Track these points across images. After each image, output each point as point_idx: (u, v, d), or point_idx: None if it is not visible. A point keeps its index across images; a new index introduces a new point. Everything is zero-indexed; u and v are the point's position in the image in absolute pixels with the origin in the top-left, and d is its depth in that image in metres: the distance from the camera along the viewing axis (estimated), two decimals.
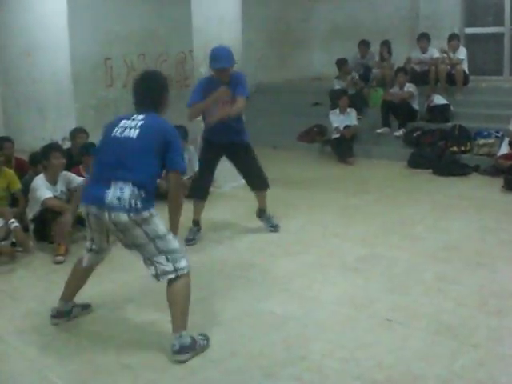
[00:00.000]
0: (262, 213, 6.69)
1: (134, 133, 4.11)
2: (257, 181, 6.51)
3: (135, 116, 4.25)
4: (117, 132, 4.17)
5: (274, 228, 6.62)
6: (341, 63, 11.67)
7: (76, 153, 7.78)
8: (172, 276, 4.06)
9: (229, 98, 6.04)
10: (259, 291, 5.06)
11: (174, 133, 4.25)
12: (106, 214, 4.00)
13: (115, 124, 4.26)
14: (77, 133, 8.13)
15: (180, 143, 4.30)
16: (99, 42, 10.81)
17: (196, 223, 6.49)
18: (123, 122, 4.23)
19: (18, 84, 11.49)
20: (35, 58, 11.03)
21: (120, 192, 3.96)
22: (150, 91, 4.39)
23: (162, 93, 4.47)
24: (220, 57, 6.06)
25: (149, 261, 4.13)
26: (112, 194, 3.98)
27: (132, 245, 4.15)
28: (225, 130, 6.13)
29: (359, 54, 12.15)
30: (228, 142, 6.25)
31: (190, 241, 6.31)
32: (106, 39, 10.90)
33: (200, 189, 6.46)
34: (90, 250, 4.50)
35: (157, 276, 4.10)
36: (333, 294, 4.94)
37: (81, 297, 4.84)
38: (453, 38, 10.97)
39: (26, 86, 11.34)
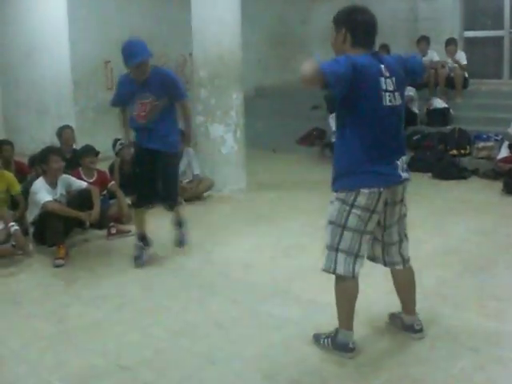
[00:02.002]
0: (177, 224, 6.17)
1: (397, 96, 3.77)
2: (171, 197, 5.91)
3: (381, 66, 3.74)
4: (387, 100, 3.69)
5: (179, 243, 6.13)
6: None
7: (66, 150, 7.75)
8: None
9: (149, 99, 5.51)
10: (258, 293, 5.07)
11: None
12: (400, 191, 3.94)
13: (378, 85, 3.68)
14: (62, 129, 8.10)
15: None
16: (99, 45, 10.85)
17: (142, 237, 5.97)
18: (381, 80, 3.69)
19: (18, 86, 11.49)
20: (35, 60, 11.03)
21: (402, 161, 3.89)
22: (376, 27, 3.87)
23: None
24: (135, 50, 5.42)
25: (404, 237, 4.14)
26: (401, 165, 3.86)
27: (396, 220, 4.05)
28: (148, 135, 5.65)
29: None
30: (153, 150, 5.63)
31: (137, 259, 5.82)
32: (106, 42, 10.92)
33: (141, 198, 5.86)
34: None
35: (407, 261, 4.16)
36: (332, 297, 4.92)
37: (83, 296, 4.86)
38: (450, 42, 10.99)
39: (26, 89, 11.33)
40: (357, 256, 3.86)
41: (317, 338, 4.14)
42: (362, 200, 3.74)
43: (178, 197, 6.01)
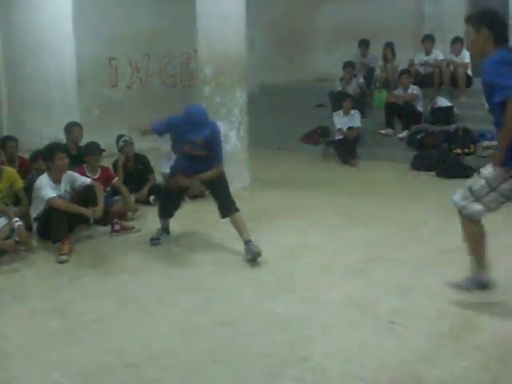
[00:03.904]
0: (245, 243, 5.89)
1: None
2: (225, 205, 6.03)
3: None
4: None
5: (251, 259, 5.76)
6: (347, 66, 11.63)
7: (72, 147, 7.76)
8: None
9: (195, 148, 5.86)
10: (263, 292, 5.07)
11: None
12: None
13: None
14: (72, 126, 8.11)
15: None
16: (104, 42, 10.86)
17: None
18: None
19: (24, 83, 11.53)
20: (41, 58, 11.07)
21: None
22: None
23: None
24: (199, 126, 5.71)
25: None
26: None
27: None
28: (192, 166, 6.02)
29: (360, 54, 12.18)
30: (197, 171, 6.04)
31: (155, 239, 6.38)
32: (111, 39, 10.95)
33: (167, 212, 6.41)
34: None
35: None
36: (336, 295, 4.94)
37: (87, 292, 4.86)
38: (456, 41, 10.99)
39: (31, 85, 11.38)
40: None
41: (460, 287, 4.67)
42: None
43: (233, 205, 6.01)
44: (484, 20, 4.32)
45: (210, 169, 6.00)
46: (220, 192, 6.08)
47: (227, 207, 5.99)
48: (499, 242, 5.34)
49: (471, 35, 4.39)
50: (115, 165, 7.98)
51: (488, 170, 4.36)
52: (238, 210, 5.97)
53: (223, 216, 6.03)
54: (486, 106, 4.43)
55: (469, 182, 4.49)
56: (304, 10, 14.27)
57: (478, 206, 4.43)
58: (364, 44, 12.18)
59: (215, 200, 6.14)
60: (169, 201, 6.38)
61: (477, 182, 4.41)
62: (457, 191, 4.54)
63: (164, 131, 6.22)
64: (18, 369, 3.96)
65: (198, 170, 5.98)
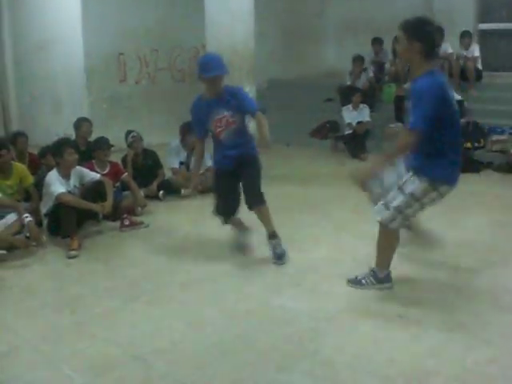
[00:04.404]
0: (269, 236, 5.70)
1: None
2: (251, 197, 5.63)
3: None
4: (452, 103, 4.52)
5: (277, 260, 5.60)
6: (356, 60, 11.59)
7: (82, 142, 7.81)
8: None
9: (224, 113, 5.50)
10: (272, 286, 5.07)
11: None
12: None
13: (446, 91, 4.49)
14: (81, 122, 8.15)
15: None
16: (112, 37, 10.88)
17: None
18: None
19: (33, 78, 11.57)
20: (49, 53, 11.10)
21: None
22: None
23: None
24: (212, 64, 5.46)
25: None
26: None
27: None
28: (227, 146, 5.61)
29: (373, 52, 12.13)
30: (234, 156, 5.60)
31: (242, 247, 5.94)
32: (120, 34, 10.96)
33: (225, 212, 5.78)
34: None
35: None
36: (344, 289, 4.94)
37: (96, 287, 4.88)
38: (465, 35, 10.96)
39: (40, 81, 11.42)
40: None
41: (356, 282, 4.93)
42: None
43: (260, 198, 5.60)
44: (417, 33, 4.42)
45: (249, 144, 5.63)
46: (250, 179, 5.61)
47: (255, 197, 5.56)
48: None
49: (402, 43, 4.50)
50: (124, 160, 8.00)
51: (415, 185, 4.55)
52: (265, 202, 5.62)
53: (250, 207, 5.60)
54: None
55: (390, 198, 4.63)
56: (313, 3, 14.23)
57: (400, 219, 4.66)
58: (377, 42, 12.11)
59: (243, 187, 5.63)
60: (224, 197, 5.73)
61: (400, 199, 4.59)
62: (377, 205, 4.72)
63: (202, 128, 5.71)
64: (28, 363, 3.98)
65: (241, 152, 5.55)
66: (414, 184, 4.55)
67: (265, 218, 5.65)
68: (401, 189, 4.59)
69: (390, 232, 4.72)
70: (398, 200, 4.59)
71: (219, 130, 5.57)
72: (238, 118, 5.56)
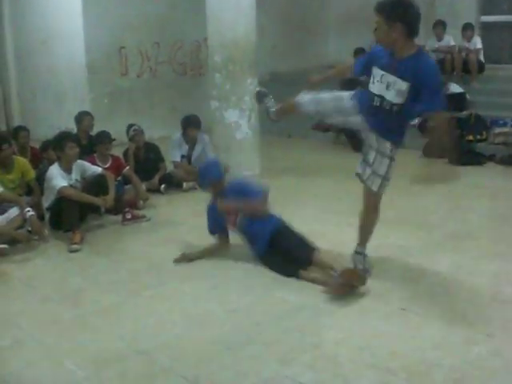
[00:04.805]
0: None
1: None
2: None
3: None
4: None
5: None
6: (358, 52, 11.55)
7: (83, 136, 7.81)
8: None
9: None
10: (273, 279, 5.06)
11: None
12: None
13: None
14: (82, 116, 8.15)
15: None
16: (114, 31, 10.86)
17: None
18: None
19: (34, 73, 11.56)
20: (50, 47, 11.08)
21: None
22: None
23: None
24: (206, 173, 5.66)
25: None
26: None
27: None
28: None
29: (375, 41, 12.07)
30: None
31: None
32: (121, 28, 10.94)
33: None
34: None
35: None
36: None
37: (98, 281, 4.87)
38: (467, 27, 10.93)
39: (41, 75, 11.41)
40: None
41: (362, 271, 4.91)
42: None
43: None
44: (396, 14, 4.33)
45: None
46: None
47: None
48: None
49: (381, 26, 4.41)
50: (126, 154, 8.00)
51: (387, 148, 4.74)
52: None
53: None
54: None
55: (376, 166, 4.84)
56: None
57: (386, 184, 4.90)
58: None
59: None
60: None
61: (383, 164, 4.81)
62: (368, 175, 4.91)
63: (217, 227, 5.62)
64: (30, 357, 3.98)
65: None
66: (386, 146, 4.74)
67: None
68: (381, 153, 4.75)
69: (376, 205, 4.94)
70: (384, 166, 4.79)
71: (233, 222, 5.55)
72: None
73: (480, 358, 3.75)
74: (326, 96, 5.03)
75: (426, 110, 4.55)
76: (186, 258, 5.53)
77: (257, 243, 5.38)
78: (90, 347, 4.06)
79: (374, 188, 4.84)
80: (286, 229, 5.42)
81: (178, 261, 5.51)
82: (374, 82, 4.61)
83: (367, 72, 4.68)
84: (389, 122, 4.64)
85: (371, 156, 4.86)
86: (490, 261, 5.31)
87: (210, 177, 5.62)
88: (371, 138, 4.84)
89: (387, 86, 4.53)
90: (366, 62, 4.80)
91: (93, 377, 3.73)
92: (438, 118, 4.59)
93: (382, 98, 4.56)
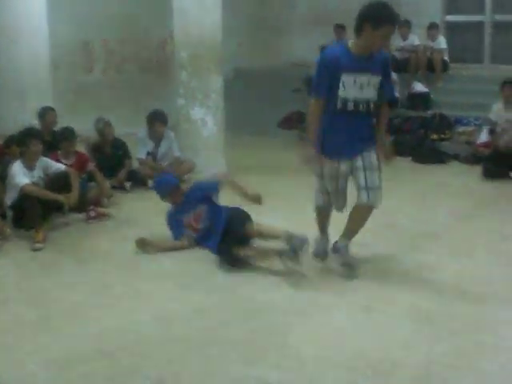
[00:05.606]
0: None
1: None
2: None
3: None
4: None
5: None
6: (323, 49, 11.57)
7: (46, 132, 7.68)
8: None
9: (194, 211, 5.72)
10: (239, 278, 5.04)
11: None
12: None
13: None
14: (45, 111, 8.03)
15: None
16: (79, 27, 10.75)
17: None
18: None
19: None
20: (14, 43, 10.89)
21: None
22: None
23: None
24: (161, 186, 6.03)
25: None
26: None
27: None
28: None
29: (335, 38, 12.11)
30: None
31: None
32: (86, 24, 10.84)
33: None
34: None
35: None
36: (312, 281, 4.95)
37: (62, 280, 4.81)
38: (432, 27, 11.04)
39: (4, 71, 11.20)
40: None
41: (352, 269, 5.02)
42: None
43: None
44: (374, 18, 4.88)
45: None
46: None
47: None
48: None
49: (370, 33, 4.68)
50: (89, 148, 7.90)
51: (375, 160, 4.94)
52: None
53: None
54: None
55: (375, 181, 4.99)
56: None
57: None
58: (340, 27, 12.09)
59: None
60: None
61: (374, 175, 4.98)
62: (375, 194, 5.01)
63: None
64: None
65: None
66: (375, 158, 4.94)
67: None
68: (369, 168, 4.89)
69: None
70: (378, 178, 4.95)
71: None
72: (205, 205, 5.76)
73: (444, 356, 3.78)
74: (321, 185, 5.16)
75: (389, 100, 4.86)
76: (148, 245, 5.62)
77: (211, 239, 5.54)
78: (53, 348, 3.99)
79: (379, 203, 4.99)
80: (233, 216, 5.58)
81: (139, 245, 5.62)
82: (344, 89, 4.67)
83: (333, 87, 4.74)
84: (364, 127, 4.80)
85: (361, 176, 4.91)
86: (454, 259, 5.36)
87: (165, 186, 5.90)
88: (347, 166, 4.93)
89: (361, 87, 4.66)
90: (328, 80, 4.71)
91: (55, 378, 3.67)
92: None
93: (356, 100, 4.68)
